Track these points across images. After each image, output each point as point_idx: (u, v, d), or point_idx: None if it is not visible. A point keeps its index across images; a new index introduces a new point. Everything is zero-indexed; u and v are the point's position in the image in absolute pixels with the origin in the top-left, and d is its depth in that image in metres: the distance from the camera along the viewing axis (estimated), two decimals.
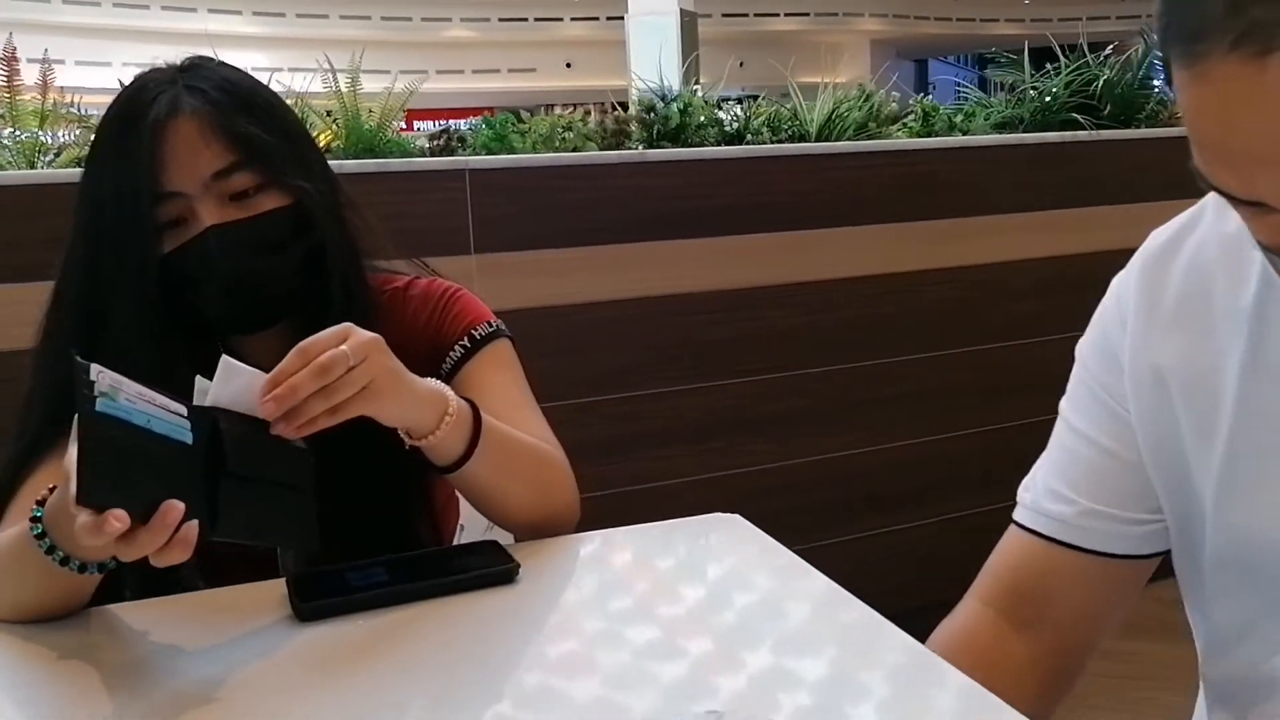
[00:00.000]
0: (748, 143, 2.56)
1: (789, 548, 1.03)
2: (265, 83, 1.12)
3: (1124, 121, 2.80)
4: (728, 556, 1.07)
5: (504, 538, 1.11)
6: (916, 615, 0.94)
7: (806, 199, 2.45)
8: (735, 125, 2.56)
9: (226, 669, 0.83)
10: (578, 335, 2.26)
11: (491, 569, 0.96)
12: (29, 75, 2.27)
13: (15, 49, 2.23)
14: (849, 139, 2.63)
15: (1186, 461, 0.80)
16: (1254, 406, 0.76)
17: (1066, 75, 2.78)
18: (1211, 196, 0.75)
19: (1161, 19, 0.60)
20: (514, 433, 1.05)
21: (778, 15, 20.41)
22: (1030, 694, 0.86)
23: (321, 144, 1.91)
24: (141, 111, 1.00)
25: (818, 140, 2.62)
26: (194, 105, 1.01)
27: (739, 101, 2.82)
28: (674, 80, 2.65)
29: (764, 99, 2.80)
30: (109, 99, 1.06)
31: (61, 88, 2.34)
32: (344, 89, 2.26)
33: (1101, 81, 2.78)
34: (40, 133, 2.13)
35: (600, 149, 2.43)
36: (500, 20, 20.01)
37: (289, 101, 1.16)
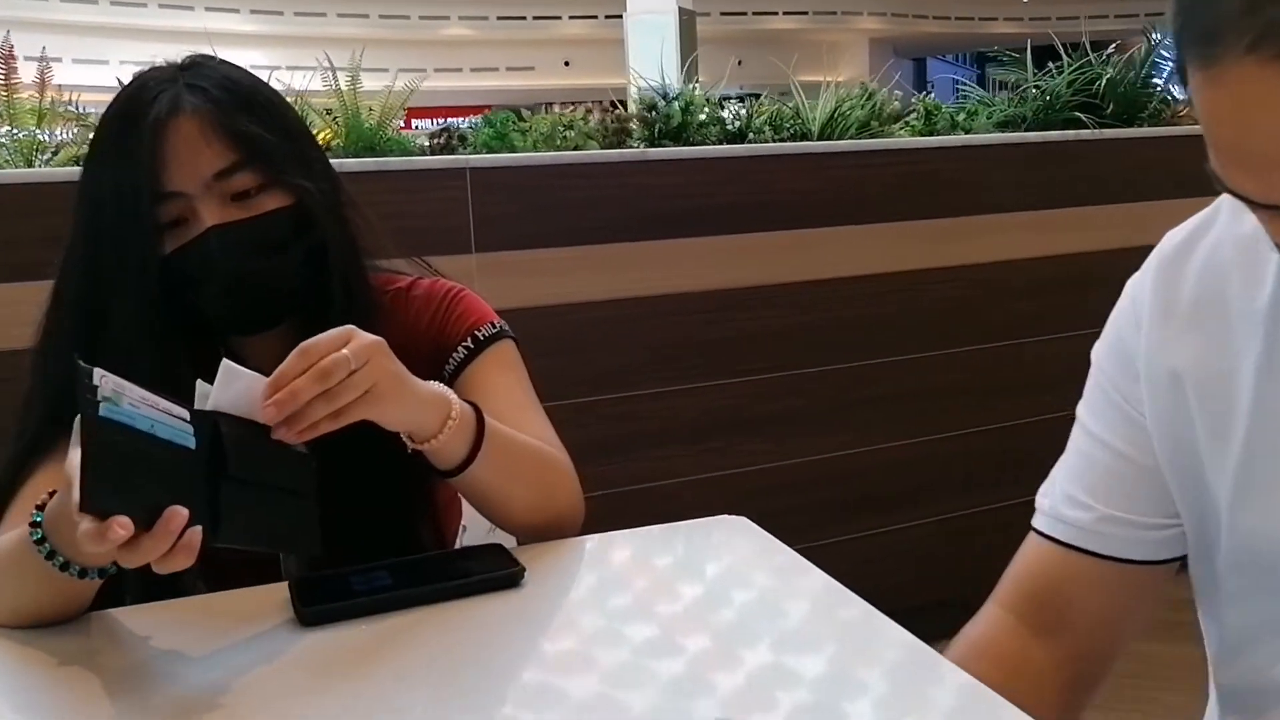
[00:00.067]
0: (749, 141, 2.55)
1: (789, 547, 1.03)
2: (265, 81, 1.11)
3: (1127, 120, 2.80)
4: (726, 555, 1.07)
5: (508, 540, 1.10)
6: (916, 614, 0.94)
7: (808, 198, 2.44)
8: (737, 124, 2.55)
9: (228, 674, 0.82)
10: (578, 334, 2.26)
11: (496, 573, 0.95)
12: (26, 73, 2.26)
13: (12, 47, 2.22)
14: (851, 138, 2.62)
15: (1202, 464, 0.80)
16: (1270, 408, 0.75)
17: (1069, 74, 2.77)
18: (1226, 197, 0.74)
19: (1176, 20, 0.60)
20: (517, 435, 1.05)
21: (776, 14, 20.44)
22: (1052, 699, 0.86)
23: (321, 142, 1.90)
24: (142, 110, 0.99)
25: (820, 139, 2.61)
26: (195, 104, 1.00)
27: (741, 100, 2.81)
28: (673, 79, 2.64)
29: (766, 97, 2.79)
30: (106, 97, 1.05)
31: (59, 86, 2.33)
32: (344, 87, 2.25)
33: (1104, 80, 2.77)
34: (38, 131, 2.13)
35: (601, 148, 2.42)
36: (499, 18, 20.02)
37: (289, 100, 1.15)
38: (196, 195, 1.00)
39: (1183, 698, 0.99)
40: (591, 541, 1.08)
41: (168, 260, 1.00)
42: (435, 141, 2.42)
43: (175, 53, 1.08)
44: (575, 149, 2.39)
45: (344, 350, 0.87)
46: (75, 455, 0.74)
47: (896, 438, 2.58)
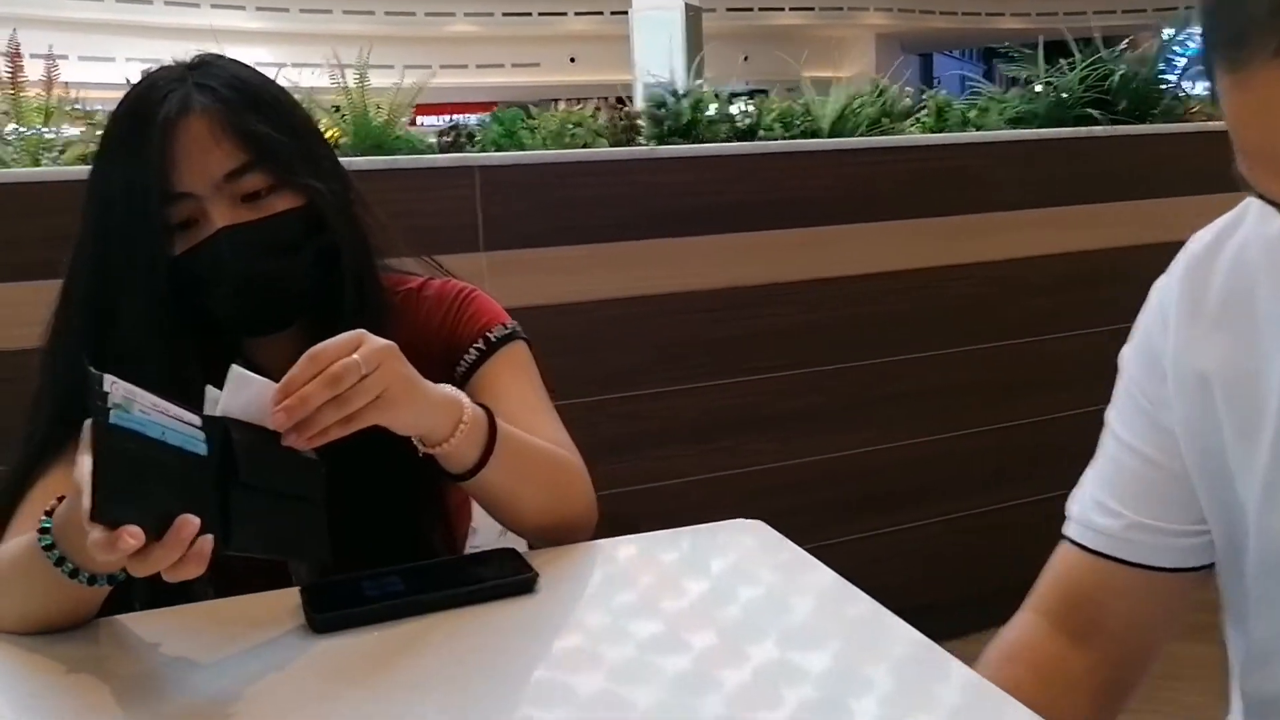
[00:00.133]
0: (759, 139, 2.54)
1: (800, 546, 1.02)
2: (273, 79, 1.10)
3: (1139, 117, 2.78)
4: (732, 552, 1.06)
5: (520, 543, 1.09)
6: (925, 613, 0.94)
7: (820, 195, 2.42)
8: (747, 121, 2.53)
9: (239, 682, 0.81)
10: (588, 333, 2.24)
11: (510, 579, 0.94)
12: (33, 71, 2.26)
13: (19, 44, 2.21)
14: (862, 134, 2.61)
15: (1229, 467, 0.79)
16: None
17: (1081, 70, 2.75)
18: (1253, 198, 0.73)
19: (1204, 22, 0.59)
20: (529, 438, 1.04)
21: (782, 10, 20.40)
22: (1085, 705, 0.87)
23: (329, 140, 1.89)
24: (151, 109, 0.98)
25: (830, 136, 2.60)
26: (204, 103, 0.99)
27: (750, 97, 2.80)
28: (680, 75, 2.63)
29: (774, 93, 2.78)
30: (113, 94, 1.04)
31: (65, 84, 2.33)
32: (352, 85, 2.24)
33: (1117, 76, 2.75)
34: (44, 129, 2.12)
35: (610, 145, 2.41)
36: (504, 15, 20.02)
37: (297, 98, 1.14)
38: (207, 196, 0.99)
39: (1203, 698, 0.99)
40: (607, 545, 1.07)
41: (178, 261, 1.00)
42: (444, 140, 2.41)
43: (181, 50, 1.07)
44: (584, 147, 2.37)
45: (354, 355, 0.86)
46: (85, 461, 0.73)
47: (912, 435, 2.56)
